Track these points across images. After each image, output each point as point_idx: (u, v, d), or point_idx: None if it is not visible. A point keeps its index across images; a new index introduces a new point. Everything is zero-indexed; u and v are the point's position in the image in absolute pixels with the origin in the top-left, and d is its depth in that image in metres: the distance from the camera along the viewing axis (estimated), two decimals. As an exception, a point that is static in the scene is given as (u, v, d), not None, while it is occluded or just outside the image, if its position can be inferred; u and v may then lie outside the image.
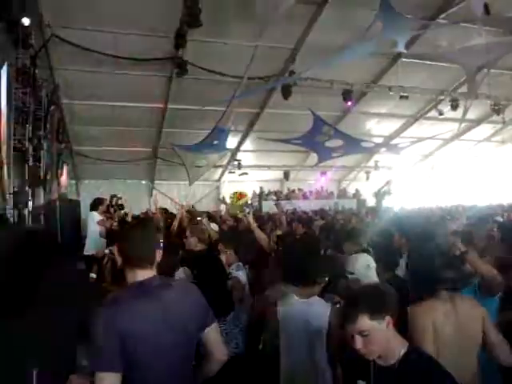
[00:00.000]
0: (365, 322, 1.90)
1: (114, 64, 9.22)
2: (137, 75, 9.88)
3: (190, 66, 9.22)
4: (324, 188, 18.67)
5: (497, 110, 13.05)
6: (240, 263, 4.59)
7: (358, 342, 1.91)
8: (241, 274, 4.32)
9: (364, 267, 3.82)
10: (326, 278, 3.20)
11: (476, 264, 2.97)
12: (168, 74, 9.99)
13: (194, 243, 5.18)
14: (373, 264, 3.78)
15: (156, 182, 16.12)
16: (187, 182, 13.67)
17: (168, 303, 2.22)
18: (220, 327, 3.63)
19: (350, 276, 3.77)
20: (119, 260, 2.27)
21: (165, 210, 9.09)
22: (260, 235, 5.47)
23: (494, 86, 11.67)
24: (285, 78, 10.32)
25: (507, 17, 6.64)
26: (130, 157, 14.13)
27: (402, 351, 1.98)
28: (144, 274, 2.20)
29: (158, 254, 2.31)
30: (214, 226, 7.04)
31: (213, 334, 2.40)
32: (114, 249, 2.57)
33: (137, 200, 13.00)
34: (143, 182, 16.31)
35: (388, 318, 1.94)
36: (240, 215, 8.80)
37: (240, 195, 15.46)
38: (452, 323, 2.43)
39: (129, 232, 2.34)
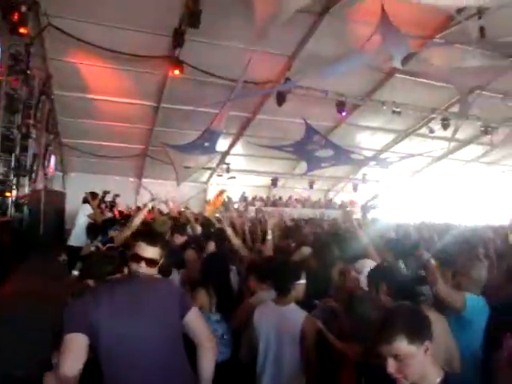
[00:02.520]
0: (402, 345, 1.72)
1: (110, 58, 9.16)
2: (132, 72, 9.85)
3: (185, 66, 9.19)
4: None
5: (486, 131, 13.21)
6: (232, 267, 4.55)
7: (392, 366, 1.74)
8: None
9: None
10: (301, 282, 3.21)
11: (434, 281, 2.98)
12: (163, 72, 9.95)
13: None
14: None
15: (144, 180, 16.04)
16: (175, 182, 13.60)
17: (137, 296, 2.25)
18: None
19: None
20: None
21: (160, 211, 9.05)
22: (234, 240, 5.42)
23: (485, 109, 11.85)
24: (281, 85, 10.33)
25: (502, 41, 6.73)
26: (119, 153, 14.05)
27: (438, 380, 1.84)
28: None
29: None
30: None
31: (194, 320, 2.38)
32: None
33: (124, 197, 12.90)
34: (131, 179, 16.22)
35: (427, 344, 1.78)
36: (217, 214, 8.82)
37: (220, 193, 15.24)
38: None
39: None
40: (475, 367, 3.01)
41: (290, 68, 9.93)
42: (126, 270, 2.71)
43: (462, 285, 3.28)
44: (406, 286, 2.73)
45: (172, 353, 2.28)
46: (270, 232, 5.03)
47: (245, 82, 9.44)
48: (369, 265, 3.53)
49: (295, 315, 3.02)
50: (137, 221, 4.56)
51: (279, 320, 3.04)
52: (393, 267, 2.90)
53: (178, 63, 9.10)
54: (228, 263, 4.34)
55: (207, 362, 2.36)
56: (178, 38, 8.41)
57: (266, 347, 3.10)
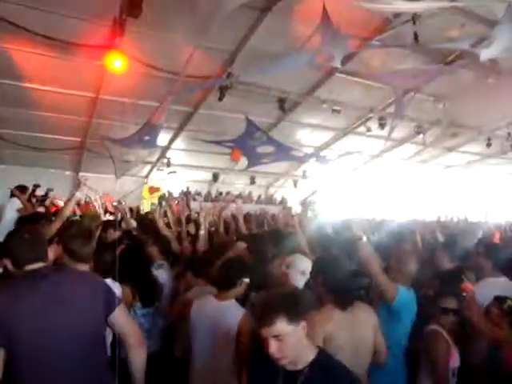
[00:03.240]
0: (282, 326, 1.90)
1: (45, 46, 8.68)
2: (69, 61, 9.39)
3: (125, 58, 8.92)
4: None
5: (419, 132, 13.84)
6: (164, 262, 4.50)
7: (273, 346, 1.90)
8: (160, 273, 4.22)
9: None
10: (245, 282, 3.22)
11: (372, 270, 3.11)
12: (102, 63, 9.59)
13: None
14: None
15: (82, 173, 15.41)
16: (114, 176, 13.23)
17: (55, 291, 2.18)
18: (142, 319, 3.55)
19: None
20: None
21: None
22: (168, 235, 5.41)
23: (418, 110, 12.41)
24: (222, 80, 10.29)
25: (433, 47, 7.06)
26: (54, 145, 13.43)
27: (312, 356, 2.02)
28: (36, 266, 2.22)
29: (50, 251, 2.36)
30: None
31: (120, 318, 2.32)
32: None
33: (60, 191, 12.35)
34: (67, 172, 15.57)
35: (303, 323, 1.97)
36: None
37: (151, 189, 15.04)
38: (348, 329, 2.54)
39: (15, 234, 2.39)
40: (396, 355, 3.15)
41: (232, 63, 9.90)
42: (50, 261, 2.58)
43: (394, 278, 3.43)
44: (342, 279, 2.79)
45: (92, 351, 2.22)
46: (202, 227, 5.06)
47: (187, 76, 9.32)
48: (299, 260, 3.59)
49: (234, 312, 3.04)
50: (66, 212, 4.44)
51: (217, 315, 3.07)
52: (332, 261, 2.96)
53: (118, 54, 8.81)
54: (144, 257, 4.31)
55: (137, 360, 2.33)
56: (117, 28, 8.13)
57: (201, 341, 3.11)
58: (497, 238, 5.97)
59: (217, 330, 3.00)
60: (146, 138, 10.76)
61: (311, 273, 3.14)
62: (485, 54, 5.70)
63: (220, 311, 3.06)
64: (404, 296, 3.28)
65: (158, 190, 15.20)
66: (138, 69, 9.60)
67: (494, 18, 5.35)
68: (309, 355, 2.02)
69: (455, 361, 3.10)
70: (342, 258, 2.98)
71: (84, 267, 2.72)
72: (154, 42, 9.01)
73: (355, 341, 2.54)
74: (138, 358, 2.33)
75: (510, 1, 4.26)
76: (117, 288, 3.28)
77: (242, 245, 4.80)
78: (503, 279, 4.26)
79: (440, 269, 4.81)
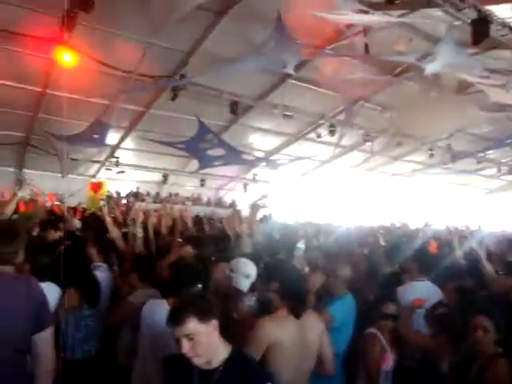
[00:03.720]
0: (193, 324, 1.95)
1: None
2: (14, 52, 8.98)
3: (75, 53, 8.65)
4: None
5: (367, 140, 14.27)
6: (102, 264, 4.40)
7: (185, 346, 1.95)
8: (97, 275, 4.10)
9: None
10: (199, 287, 3.21)
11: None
12: (51, 56, 9.25)
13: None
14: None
15: (27, 171, 14.80)
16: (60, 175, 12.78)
17: None
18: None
19: None
20: None
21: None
22: (116, 234, 5.32)
23: (367, 119, 12.79)
24: (175, 80, 10.20)
25: (382, 58, 7.33)
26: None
27: (226, 355, 2.07)
28: None
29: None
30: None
31: (44, 341, 2.24)
32: None
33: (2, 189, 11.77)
34: (10, 169, 14.88)
35: (214, 322, 2.03)
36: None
37: (93, 185, 14.56)
38: (297, 336, 2.58)
39: None
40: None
41: (185, 64, 9.83)
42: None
43: (331, 283, 3.54)
44: (298, 286, 2.82)
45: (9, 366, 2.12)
46: (139, 230, 5.02)
47: (139, 75, 9.17)
48: (243, 263, 3.62)
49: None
50: (6, 211, 4.29)
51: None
52: (286, 267, 2.99)
53: (67, 48, 8.52)
54: (84, 258, 4.22)
55: (42, 378, 2.25)
56: (67, 21, 7.85)
57: (151, 347, 3.06)
58: (433, 247, 6.31)
59: (169, 334, 2.98)
60: (95, 136, 10.50)
61: (262, 277, 3.16)
62: (429, 68, 6.00)
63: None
64: (339, 307, 3.37)
65: (100, 186, 14.73)
66: (88, 65, 9.33)
67: (439, 35, 5.64)
68: (222, 353, 2.06)
69: (389, 364, 3.21)
70: (293, 264, 3.01)
71: (7, 269, 2.58)
72: (106, 38, 8.79)
73: (302, 347, 2.58)
74: (45, 379, 2.26)
75: (451, 21, 4.51)
76: (53, 292, 3.17)
77: (189, 249, 4.76)
78: (427, 282, 4.50)
79: (380, 273, 4.99)
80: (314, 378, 2.78)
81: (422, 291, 4.13)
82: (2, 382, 2.06)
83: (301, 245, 5.12)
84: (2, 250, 2.46)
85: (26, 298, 2.21)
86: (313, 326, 2.71)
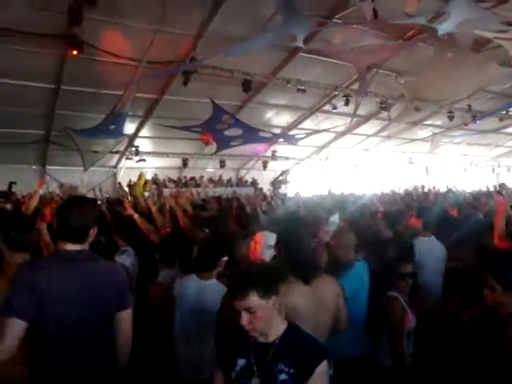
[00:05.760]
0: (254, 299, 2.00)
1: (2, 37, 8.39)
2: (25, 51, 9.10)
3: (85, 46, 8.74)
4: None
5: (384, 107, 14.07)
6: (128, 248, 4.49)
7: (244, 318, 2.01)
8: (123, 259, 4.20)
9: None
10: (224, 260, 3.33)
11: None
12: (61, 52, 9.36)
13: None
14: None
15: (49, 167, 15.14)
16: (83, 168, 13.02)
17: (89, 274, 2.30)
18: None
19: None
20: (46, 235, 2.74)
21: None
22: (161, 221, 5.46)
23: (381, 86, 12.59)
24: (186, 64, 10.21)
25: (392, 23, 7.15)
26: (17, 139, 13.07)
27: (283, 329, 2.13)
28: (73, 247, 2.31)
29: (93, 232, 2.40)
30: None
31: (124, 318, 2.46)
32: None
33: (26, 186, 12.06)
34: (33, 167, 15.21)
35: (274, 298, 2.07)
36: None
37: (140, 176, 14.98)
38: (309, 300, 2.63)
39: (61, 209, 2.42)
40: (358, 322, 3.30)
41: (195, 48, 9.82)
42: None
43: (341, 251, 3.59)
44: (303, 254, 2.84)
45: (98, 334, 2.35)
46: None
47: (149, 63, 9.20)
48: (266, 235, 3.75)
49: (216, 289, 3.13)
50: (31, 206, 4.45)
51: (200, 293, 3.16)
52: (294, 235, 2.98)
53: (77, 43, 8.61)
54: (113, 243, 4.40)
55: (120, 352, 2.48)
56: (74, 16, 7.94)
57: (184, 318, 3.20)
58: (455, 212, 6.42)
59: (200, 309, 3.09)
60: (112, 127, 10.63)
61: (275, 246, 3.22)
62: (442, 28, 5.84)
63: (203, 290, 3.17)
64: (348, 278, 3.41)
65: (142, 176, 15.13)
66: (99, 57, 9.44)
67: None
68: (279, 328, 2.11)
69: (411, 323, 3.28)
70: (305, 234, 3.01)
71: (24, 256, 2.73)
72: (114, 29, 8.85)
73: (316, 311, 2.62)
74: (120, 350, 2.46)
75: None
76: None
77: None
78: (431, 238, 4.84)
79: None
80: (339, 338, 2.84)
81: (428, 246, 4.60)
82: (92, 349, 2.30)
83: (335, 218, 5.22)
84: (20, 238, 2.67)
85: (116, 280, 2.45)
86: (326, 290, 2.75)
